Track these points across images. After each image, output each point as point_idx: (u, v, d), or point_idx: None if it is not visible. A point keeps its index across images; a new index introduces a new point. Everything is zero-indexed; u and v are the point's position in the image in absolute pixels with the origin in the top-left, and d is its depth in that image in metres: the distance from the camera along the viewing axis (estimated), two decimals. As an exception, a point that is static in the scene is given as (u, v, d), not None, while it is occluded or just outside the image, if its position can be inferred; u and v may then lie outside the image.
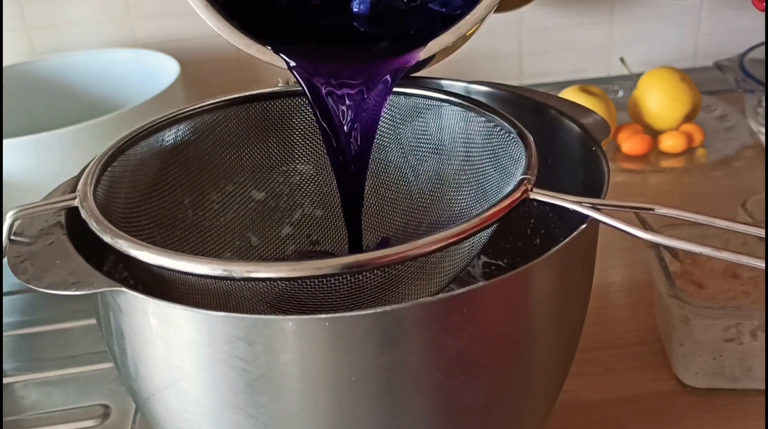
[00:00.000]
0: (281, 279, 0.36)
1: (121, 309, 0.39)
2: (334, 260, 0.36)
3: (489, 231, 0.44)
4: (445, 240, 0.37)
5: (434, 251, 0.37)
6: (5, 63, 0.95)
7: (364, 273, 0.38)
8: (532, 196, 0.40)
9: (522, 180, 0.41)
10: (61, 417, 0.58)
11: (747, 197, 0.69)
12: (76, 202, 0.42)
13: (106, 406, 0.58)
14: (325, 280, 0.38)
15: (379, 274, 0.39)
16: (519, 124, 0.47)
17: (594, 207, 0.39)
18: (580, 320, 0.46)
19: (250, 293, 0.39)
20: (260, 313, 0.37)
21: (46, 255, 0.39)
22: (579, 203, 0.39)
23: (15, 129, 0.83)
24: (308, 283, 0.38)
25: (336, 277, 0.38)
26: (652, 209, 0.39)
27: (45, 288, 0.37)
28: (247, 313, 0.36)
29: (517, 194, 0.40)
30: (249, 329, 0.35)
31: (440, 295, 0.35)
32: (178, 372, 0.38)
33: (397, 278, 0.40)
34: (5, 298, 0.70)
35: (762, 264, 0.32)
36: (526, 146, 0.44)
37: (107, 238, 0.39)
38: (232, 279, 0.36)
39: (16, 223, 0.41)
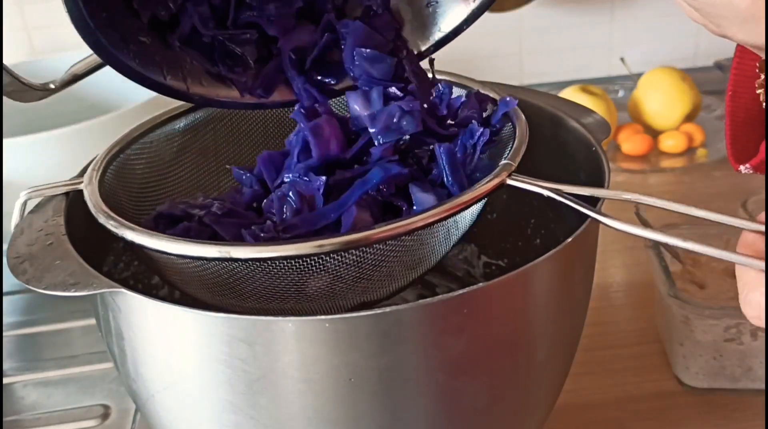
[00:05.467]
0: (250, 260, 0.36)
1: (121, 310, 0.38)
2: (296, 243, 0.35)
3: (468, 217, 0.44)
4: (417, 223, 0.37)
5: (405, 234, 0.37)
6: (5, 63, 0.95)
7: (332, 256, 0.37)
8: (510, 182, 0.39)
9: (503, 165, 0.40)
10: (61, 417, 0.58)
11: (747, 197, 0.69)
12: (81, 186, 0.43)
13: (106, 406, 0.58)
14: (288, 263, 0.37)
15: (351, 257, 0.38)
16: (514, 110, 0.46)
17: (569, 194, 0.38)
18: (580, 320, 0.46)
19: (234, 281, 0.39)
20: (259, 314, 0.37)
21: (45, 256, 0.39)
22: (556, 191, 0.38)
23: (15, 129, 0.83)
24: (274, 265, 0.37)
25: (299, 261, 0.37)
26: (630, 199, 0.38)
27: (44, 289, 0.37)
28: (248, 314, 0.36)
29: (496, 180, 0.39)
30: (249, 330, 0.35)
31: (440, 296, 0.35)
32: (177, 373, 0.38)
33: (371, 263, 0.39)
34: (5, 298, 0.70)
35: (762, 265, 0.32)
36: (515, 131, 0.43)
37: (101, 218, 0.39)
38: (204, 259, 0.37)
39: (29, 203, 0.44)
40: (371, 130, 0.43)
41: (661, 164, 0.89)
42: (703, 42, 1.09)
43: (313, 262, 0.37)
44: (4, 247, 0.42)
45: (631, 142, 0.90)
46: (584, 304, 0.46)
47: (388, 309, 0.34)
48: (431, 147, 0.43)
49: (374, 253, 0.39)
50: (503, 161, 0.40)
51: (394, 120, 0.43)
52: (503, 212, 0.57)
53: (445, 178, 0.42)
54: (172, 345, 0.38)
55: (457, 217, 0.41)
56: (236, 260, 0.36)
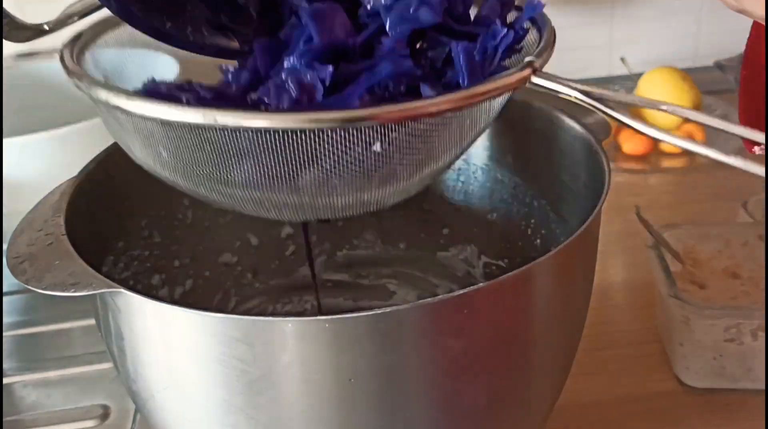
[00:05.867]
0: (236, 129, 0.34)
1: (120, 310, 0.38)
2: (288, 114, 0.33)
3: (484, 119, 0.41)
4: (429, 107, 0.34)
5: (414, 117, 0.34)
6: (5, 63, 0.94)
7: (327, 136, 0.34)
8: (535, 79, 0.37)
9: (528, 62, 0.37)
10: (60, 417, 0.58)
11: (748, 197, 0.69)
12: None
13: (106, 407, 0.58)
14: (277, 139, 0.34)
15: (348, 144, 0.35)
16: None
17: (596, 97, 0.36)
18: (580, 321, 0.46)
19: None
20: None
21: (45, 256, 0.39)
22: (585, 92, 0.36)
23: (15, 129, 0.83)
24: (263, 140, 0.34)
25: (289, 138, 0.34)
26: (665, 110, 0.36)
27: (44, 289, 0.37)
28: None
29: (520, 74, 0.37)
30: (248, 330, 0.35)
31: (440, 296, 0.35)
32: (177, 373, 0.38)
33: (371, 156, 0.36)
34: (5, 298, 0.70)
35: (762, 170, 0.32)
36: (540, 30, 0.41)
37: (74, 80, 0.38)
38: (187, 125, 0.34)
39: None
40: (384, 18, 0.39)
41: (661, 164, 0.89)
42: (703, 42, 1.09)
43: (303, 143, 0.34)
44: (4, 247, 0.41)
45: (631, 142, 0.89)
46: (584, 304, 0.46)
47: (388, 309, 0.34)
48: (447, 48, 0.40)
49: (373, 141, 0.35)
50: (528, 58, 0.38)
51: (411, 10, 0.39)
52: (503, 212, 0.57)
53: (461, 80, 0.38)
54: (172, 345, 0.38)
55: (474, 112, 0.39)
56: (222, 128, 0.33)
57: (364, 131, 0.34)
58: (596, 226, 0.44)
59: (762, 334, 0.53)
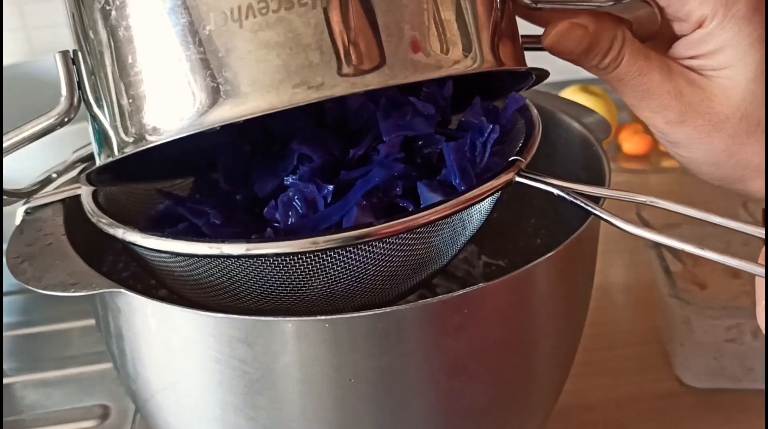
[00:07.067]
0: (242, 256, 0.35)
1: (120, 310, 0.38)
2: (291, 240, 0.35)
3: (477, 217, 0.42)
4: (420, 220, 0.35)
5: (407, 231, 0.35)
6: (5, 63, 0.94)
7: (329, 255, 0.36)
8: (519, 179, 0.38)
9: (512, 162, 0.38)
10: (60, 417, 0.58)
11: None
12: (78, 190, 0.43)
13: (106, 407, 0.58)
14: (284, 261, 0.36)
15: (351, 256, 0.37)
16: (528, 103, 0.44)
17: (580, 194, 0.37)
18: (581, 321, 0.46)
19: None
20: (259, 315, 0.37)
21: (45, 256, 0.39)
22: (566, 190, 0.37)
23: (15, 129, 0.83)
24: (269, 264, 0.37)
25: (295, 259, 0.36)
26: (645, 202, 0.37)
27: (44, 289, 0.37)
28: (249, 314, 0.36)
29: (504, 178, 0.37)
30: (248, 330, 0.35)
31: (440, 297, 0.35)
32: (177, 373, 0.38)
33: (372, 264, 0.38)
34: (5, 298, 0.70)
35: (762, 271, 0.32)
36: (528, 129, 0.42)
37: (93, 218, 0.40)
38: (196, 256, 0.36)
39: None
40: (381, 127, 0.41)
41: (662, 164, 0.88)
42: (703, 42, 1.09)
43: (309, 261, 0.37)
44: (4, 247, 0.41)
45: (631, 142, 0.89)
46: (585, 304, 0.45)
47: (388, 309, 0.34)
48: (440, 147, 0.41)
49: (375, 252, 0.38)
50: (512, 157, 0.39)
51: (407, 118, 0.41)
52: (503, 212, 0.57)
53: (453, 178, 0.40)
54: (172, 345, 0.37)
55: (465, 215, 0.40)
56: (228, 257, 0.35)
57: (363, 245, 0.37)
58: (596, 226, 0.44)
59: (762, 334, 0.53)
